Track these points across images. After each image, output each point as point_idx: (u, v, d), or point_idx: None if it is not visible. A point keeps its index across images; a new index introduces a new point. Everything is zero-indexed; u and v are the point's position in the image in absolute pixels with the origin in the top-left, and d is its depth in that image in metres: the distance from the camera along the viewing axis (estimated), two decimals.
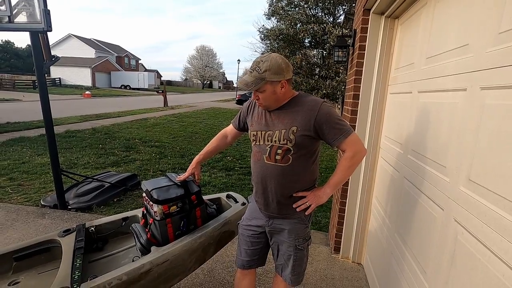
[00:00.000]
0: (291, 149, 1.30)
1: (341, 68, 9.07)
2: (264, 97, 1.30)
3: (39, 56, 2.84)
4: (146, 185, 1.62)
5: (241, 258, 1.57)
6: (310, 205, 1.37)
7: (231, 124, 1.67)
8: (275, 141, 1.32)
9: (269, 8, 10.86)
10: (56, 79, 30.49)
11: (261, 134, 1.38)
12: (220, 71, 62.16)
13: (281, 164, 1.33)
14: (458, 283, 1.05)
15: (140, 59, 48.49)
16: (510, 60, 0.88)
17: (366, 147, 2.26)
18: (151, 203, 1.56)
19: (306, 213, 1.40)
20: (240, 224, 1.61)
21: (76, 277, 1.31)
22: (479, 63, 1.03)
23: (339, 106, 12.10)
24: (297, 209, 1.38)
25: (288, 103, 1.36)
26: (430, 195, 1.32)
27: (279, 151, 1.32)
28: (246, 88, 1.27)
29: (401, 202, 1.69)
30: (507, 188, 0.85)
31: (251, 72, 1.28)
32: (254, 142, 1.42)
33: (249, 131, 1.49)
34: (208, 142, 1.72)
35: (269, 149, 1.34)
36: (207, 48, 56.55)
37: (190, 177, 1.71)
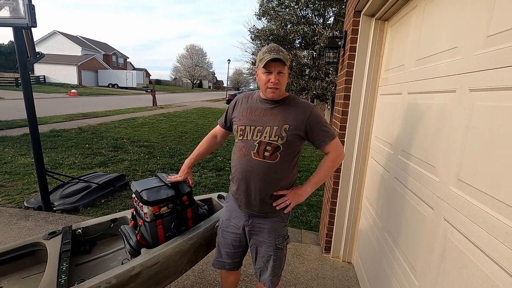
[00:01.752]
0: (281, 146, 1.32)
1: (331, 69, 9.16)
2: (283, 80, 1.33)
3: (23, 53, 2.74)
4: (135, 186, 1.59)
5: (221, 260, 1.57)
6: (289, 204, 1.40)
7: (218, 125, 1.66)
8: (264, 136, 1.33)
9: (260, 9, 10.86)
10: (40, 77, 29.57)
11: (250, 129, 1.37)
12: (210, 70, 61.86)
13: (268, 161, 1.34)
14: (448, 280, 1.07)
15: (128, 58, 47.64)
16: (498, 62, 0.90)
17: (356, 148, 2.30)
18: (140, 204, 1.53)
19: (285, 212, 1.43)
20: (219, 226, 1.59)
21: (63, 281, 1.26)
22: (468, 65, 1.06)
23: (328, 107, 12.22)
24: (277, 207, 1.40)
25: (281, 101, 1.38)
26: (420, 195, 1.34)
27: (269, 147, 1.33)
28: (284, 59, 1.27)
29: (391, 201, 1.71)
30: (496, 188, 0.87)
31: (277, 52, 1.29)
32: (241, 137, 1.40)
33: (235, 125, 1.46)
34: (198, 142, 1.70)
35: (257, 145, 1.34)
36: (197, 48, 56.17)
37: None
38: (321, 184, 1.48)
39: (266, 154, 1.33)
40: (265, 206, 1.41)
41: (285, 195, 1.40)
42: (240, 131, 1.40)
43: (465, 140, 1.03)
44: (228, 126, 1.59)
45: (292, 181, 1.45)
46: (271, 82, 1.30)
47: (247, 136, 1.38)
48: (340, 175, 2.42)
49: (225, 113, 1.60)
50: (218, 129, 1.66)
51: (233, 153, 1.48)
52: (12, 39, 2.74)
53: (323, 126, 1.36)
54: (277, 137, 1.31)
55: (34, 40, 2.88)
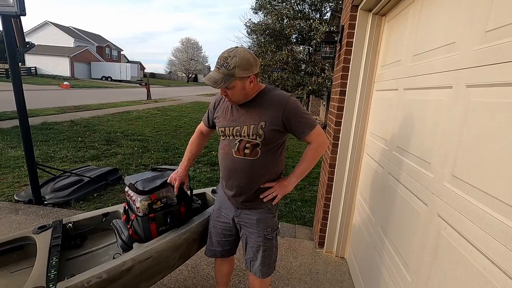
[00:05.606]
0: (260, 143, 1.33)
1: (327, 64, 9.15)
2: (233, 93, 1.29)
3: (12, 43, 2.66)
4: (129, 179, 1.57)
5: (213, 248, 1.61)
6: (276, 195, 1.42)
7: (202, 122, 1.65)
8: (244, 136, 1.34)
9: (256, 2, 10.76)
10: (31, 68, 28.96)
11: (229, 130, 1.38)
12: (206, 64, 61.19)
13: (250, 158, 1.35)
14: (440, 276, 1.07)
15: (122, 50, 46.96)
16: (495, 58, 0.89)
17: (351, 144, 2.30)
18: (133, 198, 1.51)
19: (273, 203, 1.45)
20: (211, 216, 1.62)
21: (52, 276, 1.24)
22: (465, 61, 1.05)
23: (324, 103, 12.24)
24: (264, 199, 1.41)
25: (255, 97, 1.36)
26: (414, 191, 1.34)
27: (248, 145, 1.34)
28: (214, 86, 1.22)
29: (385, 197, 1.71)
30: (490, 184, 0.86)
31: (218, 68, 1.23)
32: (224, 137, 1.42)
33: (217, 127, 1.48)
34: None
35: (238, 143, 1.36)
36: (192, 41, 55.56)
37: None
38: (306, 174, 1.48)
39: (247, 151, 1.34)
40: (251, 200, 1.43)
41: (271, 187, 1.41)
42: (221, 132, 1.43)
43: (461, 137, 1.03)
44: (211, 125, 1.59)
45: (278, 173, 1.45)
46: (224, 96, 1.33)
47: (228, 136, 1.40)
48: (334, 170, 2.42)
49: (207, 112, 1.59)
50: (202, 127, 1.65)
51: (218, 151, 1.50)
52: (1, 28, 2.65)
53: (300, 117, 1.32)
54: (254, 135, 1.32)
55: (25, 31, 2.80)
